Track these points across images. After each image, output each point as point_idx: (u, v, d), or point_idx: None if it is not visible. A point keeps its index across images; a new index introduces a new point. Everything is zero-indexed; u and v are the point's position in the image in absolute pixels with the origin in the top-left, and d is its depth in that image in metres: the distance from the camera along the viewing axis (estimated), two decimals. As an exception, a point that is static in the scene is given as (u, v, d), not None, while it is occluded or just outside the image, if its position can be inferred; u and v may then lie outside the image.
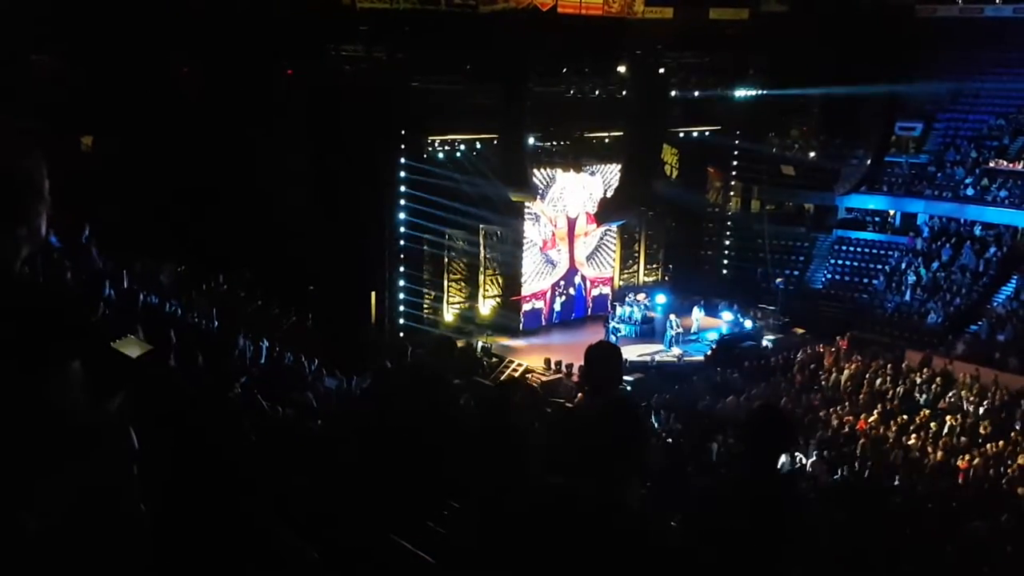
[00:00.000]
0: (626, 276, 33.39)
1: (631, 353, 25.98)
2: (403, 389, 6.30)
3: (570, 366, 24.92)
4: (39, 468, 1.61)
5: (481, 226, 28.68)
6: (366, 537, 5.12)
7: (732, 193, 35.31)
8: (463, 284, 29.25)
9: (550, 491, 2.87)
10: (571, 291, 31.12)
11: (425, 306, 28.68)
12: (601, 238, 32.00)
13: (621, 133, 30.38)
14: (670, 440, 19.66)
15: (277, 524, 4.58)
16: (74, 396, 1.67)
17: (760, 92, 31.94)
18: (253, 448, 5.42)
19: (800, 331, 29.61)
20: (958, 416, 21.96)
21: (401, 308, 27.25)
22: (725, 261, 34.53)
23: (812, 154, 35.26)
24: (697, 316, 29.71)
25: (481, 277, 29.22)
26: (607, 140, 31.15)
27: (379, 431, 5.94)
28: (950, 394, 23.70)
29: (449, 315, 29.04)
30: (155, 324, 6.82)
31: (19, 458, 1.59)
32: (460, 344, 26.90)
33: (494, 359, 26.55)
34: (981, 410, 22.54)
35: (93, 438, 1.72)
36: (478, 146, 28.19)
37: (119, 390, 1.99)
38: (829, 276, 33.65)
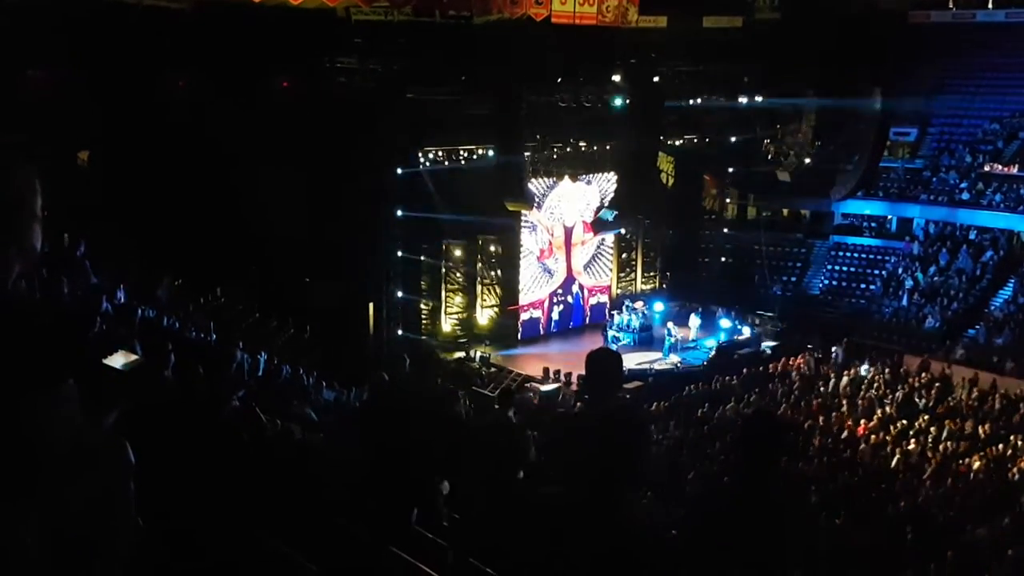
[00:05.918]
0: (624, 284, 33.39)
1: (630, 361, 25.97)
2: (400, 402, 6.29)
3: (569, 375, 24.91)
4: (36, 486, 1.61)
5: (479, 236, 28.72)
6: (366, 550, 5.10)
7: (728, 200, 35.36)
8: (461, 294, 29.23)
9: (551, 499, 2.86)
10: (569, 300, 31.12)
11: (423, 317, 28.66)
12: (598, 246, 32.04)
13: (616, 142, 30.44)
14: (669, 448, 19.66)
15: (276, 538, 4.56)
16: (70, 414, 1.67)
17: (755, 99, 31.99)
18: (251, 462, 5.42)
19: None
20: (957, 420, 21.92)
21: (399, 319, 27.22)
22: (722, 268, 34.53)
23: (807, 160, 35.36)
24: (695, 323, 29.72)
25: (479, 287, 29.20)
26: (603, 149, 31.19)
27: (378, 443, 5.92)
28: (949, 398, 23.69)
29: (447, 325, 29.01)
30: (153, 338, 6.79)
31: (16, 476, 1.58)
32: (456, 356, 26.92)
33: (492, 369, 26.52)
34: (980, 414, 22.52)
35: (89, 455, 1.71)
36: (474, 156, 28.23)
37: (115, 406, 1.99)
38: (826, 282, 33.68)
